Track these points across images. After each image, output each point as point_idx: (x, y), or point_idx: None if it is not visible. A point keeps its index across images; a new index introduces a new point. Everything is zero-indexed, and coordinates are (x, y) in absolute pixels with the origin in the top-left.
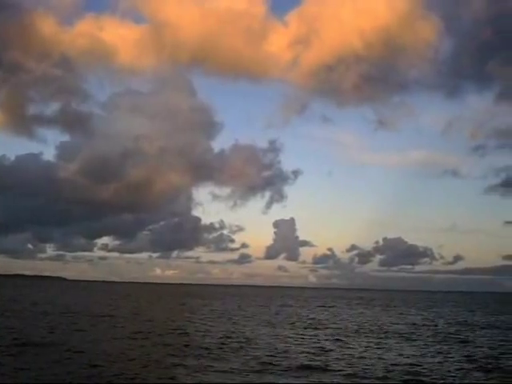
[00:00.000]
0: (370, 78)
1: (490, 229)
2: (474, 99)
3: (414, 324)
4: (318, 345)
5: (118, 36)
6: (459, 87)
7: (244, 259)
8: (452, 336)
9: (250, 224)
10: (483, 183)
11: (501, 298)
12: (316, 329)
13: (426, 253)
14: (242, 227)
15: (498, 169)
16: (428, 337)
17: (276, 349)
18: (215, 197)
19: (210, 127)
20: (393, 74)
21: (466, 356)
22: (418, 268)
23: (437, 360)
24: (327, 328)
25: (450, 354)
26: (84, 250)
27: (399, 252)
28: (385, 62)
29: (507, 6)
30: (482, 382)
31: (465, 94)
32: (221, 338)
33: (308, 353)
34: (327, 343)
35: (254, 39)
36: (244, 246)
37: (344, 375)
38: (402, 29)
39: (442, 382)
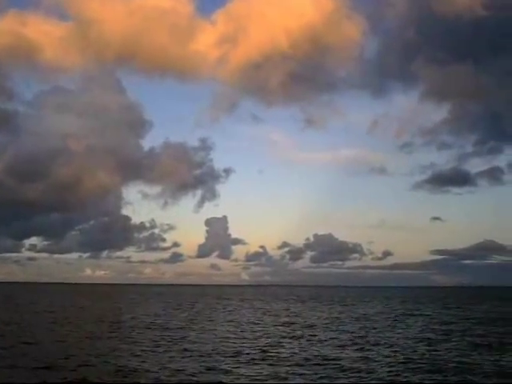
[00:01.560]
0: (298, 77)
1: (417, 224)
2: (399, 98)
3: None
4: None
5: (43, 33)
6: (385, 86)
7: (176, 258)
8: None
9: (181, 223)
10: (410, 180)
11: (426, 292)
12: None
13: (355, 249)
14: (173, 226)
15: (425, 166)
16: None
17: None
18: (145, 196)
19: (140, 125)
20: (320, 73)
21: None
22: (348, 264)
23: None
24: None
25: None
26: (11, 251)
27: (330, 248)
28: (312, 61)
29: (430, 7)
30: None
31: (391, 92)
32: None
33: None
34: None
35: (181, 37)
36: (176, 244)
37: None
38: (328, 28)
39: None
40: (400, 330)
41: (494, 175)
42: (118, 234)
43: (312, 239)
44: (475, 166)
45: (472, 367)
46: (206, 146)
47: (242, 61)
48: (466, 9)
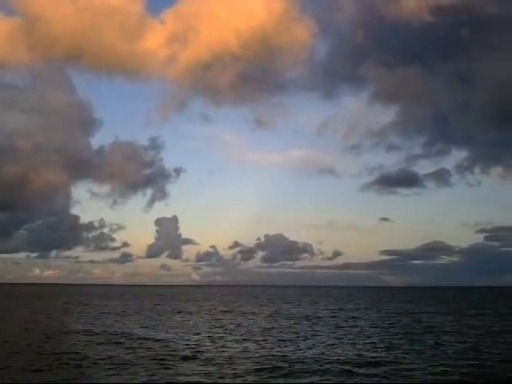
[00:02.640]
0: (248, 78)
1: (366, 225)
2: (348, 100)
3: None
4: None
5: None
6: (335, 88)
7: (125, 258)
8: None
9: (131, 222)
10: (359, 181)
11: (371, 292)
12: None
13: (306, 249)
14: (122, 226)
15: (373, 167)
16: None
17: None
18: (94, 195)
19: (89, 124)
20: (270, 75)
21: None
22: (298, 263)
23: None
24: None
25: None
26: None
27: (280, 248)
28: (262, 62)
29: (378, 12)
30: None
31: (340, 95)
32: None
33: None
34: None
35: (130, 36)
36: (125, 244)
37: None
38: (278, 30)
39: None
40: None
41: (442, 177)
42: (67, 233)
43: (263, 239)
44: (423, 167)
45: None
46: (156, 145)
47: (192, 60)
48: (413, 14)
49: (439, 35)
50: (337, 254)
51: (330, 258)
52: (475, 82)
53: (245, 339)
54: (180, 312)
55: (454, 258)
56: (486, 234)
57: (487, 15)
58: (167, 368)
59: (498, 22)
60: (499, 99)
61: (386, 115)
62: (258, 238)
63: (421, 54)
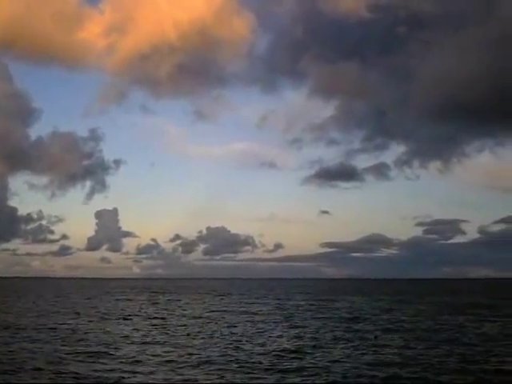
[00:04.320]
0: (187, 70)
1: (307, 218)
2: (289, 94)
3: None
4: None
5: None
6: (275, 82)
7: (65, 251)
8: None
9: (70, 215)
10: (299, 174)
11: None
12: None
13: (247, 241)
14: (61, 218)
15: (313, 161)
16: None
17: None
18: (32, 186)
19: (27, 114)
20: (210, 67)
21: None
22: (240, 256)
23: None
24: None
25: None
26: None
27: (222, 241)
28: (201, 54)
29: (317, 7)
30: None
31: (280, 89)
32: None
33: None
34: None
35: (67, 25)
36: (64, 237)
37: None
38: (218, 22)
39: None
40: None
41: (381, 171)
42: (4, 225)
43: (205, 232)
44: (362, 161)
45: None
46: (95, 136)
47: (130, 51)
48: (351, 10)
49: (377, 31)
50: (278, 246)
51: (272, 251)
52: (413, 78)
53: None
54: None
55: (394, 251)
56: (425, 227)
57: (424, 13)
58: None
59: (435, 20)
60: (437, 95)
61: (326, 110)
62: (200, 231)
63: (360, 50)
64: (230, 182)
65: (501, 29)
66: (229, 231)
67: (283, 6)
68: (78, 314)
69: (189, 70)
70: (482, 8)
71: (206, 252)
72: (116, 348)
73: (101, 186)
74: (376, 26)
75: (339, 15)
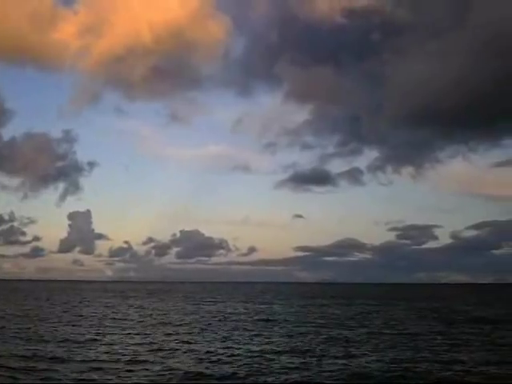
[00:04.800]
0: (162, 72)
1: (281, 222)
2: (264, 98)
3: None
4: None
5: None
6: (250, 86)
7: (36, 253)
8: None
9: (42, 216)
10: (273, 178)
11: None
12: None
13: (221, 245)
14: (33, 220)
15: (287, 165)
16: None
17: None
18: (4, 187)
19: (0, 114)
20: (185, 70)
21: None
22: (214, 260)
23: None
24: None
25: None
26: None
27: (196, 244)
28: (176, 57)
29: (291, 11)
30: None
31: (255, 92)
32: None
33: None
34: None
35: (41, 25)
36: (36, 239)
37: None
38: (193, 25)
39: None
40: None
41: (354, 176)
42: None
43: (178, 235)
44: (336, 166)
45: None
46: (69, 137)
47: (105, 52)
48: (326, 15)
49: (352, 37)
50: (252, 250)
51: (246, 254)
52: (387, 84)
53: None
54: None
55: (367, 255)
56: (398, 232)
57: (398, 19)
58: None
59: (409, 27)
60: (410, 101)
61: (301, 114)
62: (174, 234)
63: (334, 55)
64: (205, 185)
65: (474, 37)
66: (203, 234)
67: (259, 10)
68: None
69: (164, 73)
70: (456, 16)
71: (179, 255)
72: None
73: (74, 188)
74: (351, 32)
75: (314, 20)
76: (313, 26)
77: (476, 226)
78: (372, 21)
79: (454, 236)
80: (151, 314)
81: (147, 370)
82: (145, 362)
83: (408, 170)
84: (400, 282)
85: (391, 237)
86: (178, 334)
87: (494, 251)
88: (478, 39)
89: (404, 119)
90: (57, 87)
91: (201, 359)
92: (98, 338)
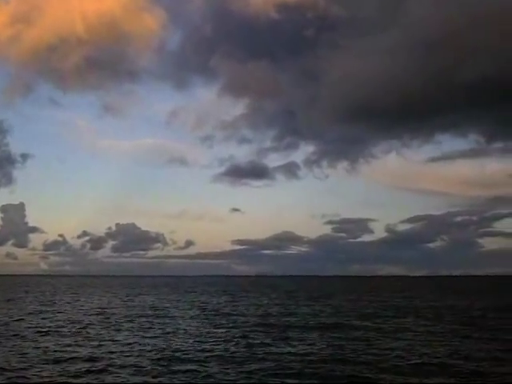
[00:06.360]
0: (95, 63)
1: (218, 215)
2: (200, 91)
3: None
4: None
5: None
6: (186, 79)
7: None
8: None
9: None
10: (210, 172)
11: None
12: None
13: (158, 238)
14: None
15: (224, 159)
16: None
17: None
18: None
19: None
20: (120, 62)
21: None
22: (150, 253)
23: None
24: None
25: None
26: None
27: (132, 238)
28: (110, 48)
29: (226, 6)
30: None
31: (191, 85)
32: None
33: None
34: None
35: None
36: None
37: None
38: (127, 17)
39: None
40: None
41: (291, 170)
42: None
43: (114, 228)
44: (273, 160)
45: None
46: (1, 128)
47: (36, 42)
48: (260, 10)
49: (287, 32)
50: (189, 243)
51: (183, 248)
52: (322, 79)
53: None
54: None
55: (304, 248)
56: (334, 226)
57: (332, 15)
58: None
59: (343, 23)
60: (344, 97)
61: (237, 108)
62: (109, 227)
63: (270, 50)
64: (140, 178)
65: (407, 35)
66: (139, 228)
67: (194, 4)
68: None
69: (97, 64)
70: (389, 14)
71: (115, 249)
72: None
73: (7, 180)
74: (285, 27)
75: (249, 15)
76: (248, 21)
77: (410, 220)
78: (306, 16)
79: (388, 229)
80: None
81: None
82: None
83: (343, 164)
84: (337, 275)
85: (327, 230)
86: None
87: (428, 244)
88: (411, 37)
89: (339, 114)
90: None
91: None
92: None
